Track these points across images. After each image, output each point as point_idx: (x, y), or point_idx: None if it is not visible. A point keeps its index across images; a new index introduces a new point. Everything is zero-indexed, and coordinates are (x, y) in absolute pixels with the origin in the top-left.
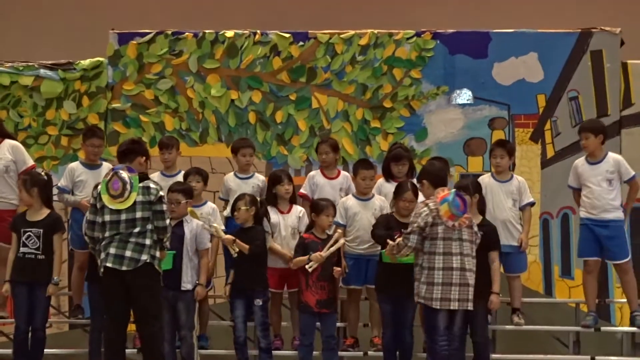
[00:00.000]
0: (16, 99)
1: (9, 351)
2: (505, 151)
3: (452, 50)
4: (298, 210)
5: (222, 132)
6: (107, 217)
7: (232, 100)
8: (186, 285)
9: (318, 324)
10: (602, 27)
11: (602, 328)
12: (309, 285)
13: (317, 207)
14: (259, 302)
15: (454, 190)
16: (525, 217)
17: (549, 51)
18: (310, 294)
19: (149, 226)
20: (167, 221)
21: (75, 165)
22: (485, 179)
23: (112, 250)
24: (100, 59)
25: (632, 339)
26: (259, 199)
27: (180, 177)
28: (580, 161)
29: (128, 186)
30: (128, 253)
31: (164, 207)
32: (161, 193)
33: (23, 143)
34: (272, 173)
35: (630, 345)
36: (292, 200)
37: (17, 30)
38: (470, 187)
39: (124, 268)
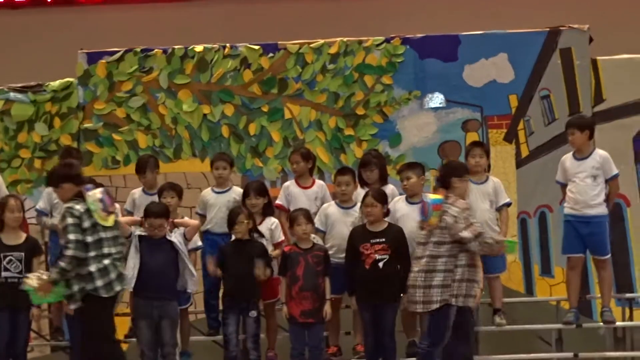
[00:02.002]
0: None
1: None
2: (483, 151)
3: (422, 54)
4: (270, 222)
5: (196, 147)
6: (103, 234)
7: (205, 115)
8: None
9: None
10: (570, 25)
11: (584, 324)
12: (292, 296)
13: (290, 218)
14: (253, 313)
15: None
16: (502, 217)
17: (518, 51)
18: (294, 304)
19: None
20: None
21: (50, 189)
22: None
23: (122, 270)
24: (70, 79)
25: (614, 334)
26: None
27: None
28: (567, 156)
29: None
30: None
31: None
32: None
33: None
34: (245, 186)
35: (613, 340)
36: (269, 212)
37: None
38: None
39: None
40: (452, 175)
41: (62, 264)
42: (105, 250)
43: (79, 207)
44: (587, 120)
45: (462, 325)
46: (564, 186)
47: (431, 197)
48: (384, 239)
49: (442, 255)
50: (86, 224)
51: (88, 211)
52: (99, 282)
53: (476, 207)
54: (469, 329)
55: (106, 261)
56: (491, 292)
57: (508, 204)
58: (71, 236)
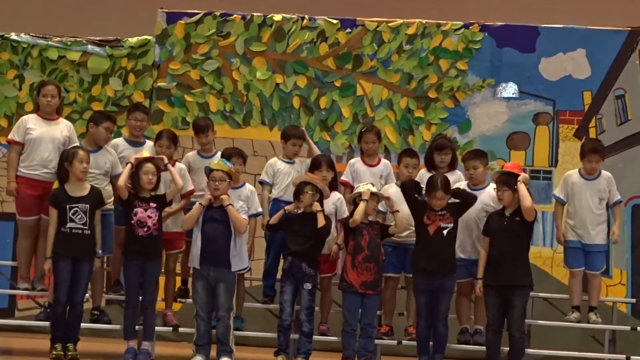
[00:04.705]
0: (63, 73)
1: (46, 324)
2: (600, 157)
3: (500, 43)
4: (336, 197)
5: (266, 115)
6: None
7: (277, 84)
8: (234, 267)
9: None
10: None
11: (639, 327)
12: (355, 265)
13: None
14: (308, 286)
15: None
16: (615, 212)
17: (597, 48)
18: (356, 274)
19: None
20: None
21: (119, 141)
22: (573, 177)
23: None
24: (148, 37)
25: None
26: None
27: (216, 159)
28: None
29: None
30: None
31: None
32: None
33: (68, 118)
34: (313, 158)
35: None
36: (335, 187)
37: (66, 5)
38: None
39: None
40: None
41: None
42: None
43: None
44: None
45: None
46: None
47: None
48: (445, 211)
49: None
50: None
51: None
52: None
53: (584, 205)
54: None
55: None
56: (589, 290)
57: (619, 202)
58: None
